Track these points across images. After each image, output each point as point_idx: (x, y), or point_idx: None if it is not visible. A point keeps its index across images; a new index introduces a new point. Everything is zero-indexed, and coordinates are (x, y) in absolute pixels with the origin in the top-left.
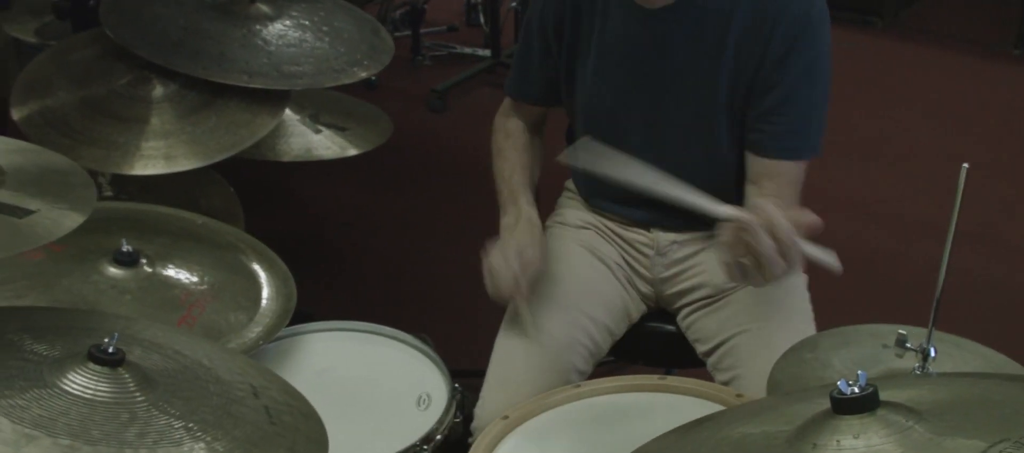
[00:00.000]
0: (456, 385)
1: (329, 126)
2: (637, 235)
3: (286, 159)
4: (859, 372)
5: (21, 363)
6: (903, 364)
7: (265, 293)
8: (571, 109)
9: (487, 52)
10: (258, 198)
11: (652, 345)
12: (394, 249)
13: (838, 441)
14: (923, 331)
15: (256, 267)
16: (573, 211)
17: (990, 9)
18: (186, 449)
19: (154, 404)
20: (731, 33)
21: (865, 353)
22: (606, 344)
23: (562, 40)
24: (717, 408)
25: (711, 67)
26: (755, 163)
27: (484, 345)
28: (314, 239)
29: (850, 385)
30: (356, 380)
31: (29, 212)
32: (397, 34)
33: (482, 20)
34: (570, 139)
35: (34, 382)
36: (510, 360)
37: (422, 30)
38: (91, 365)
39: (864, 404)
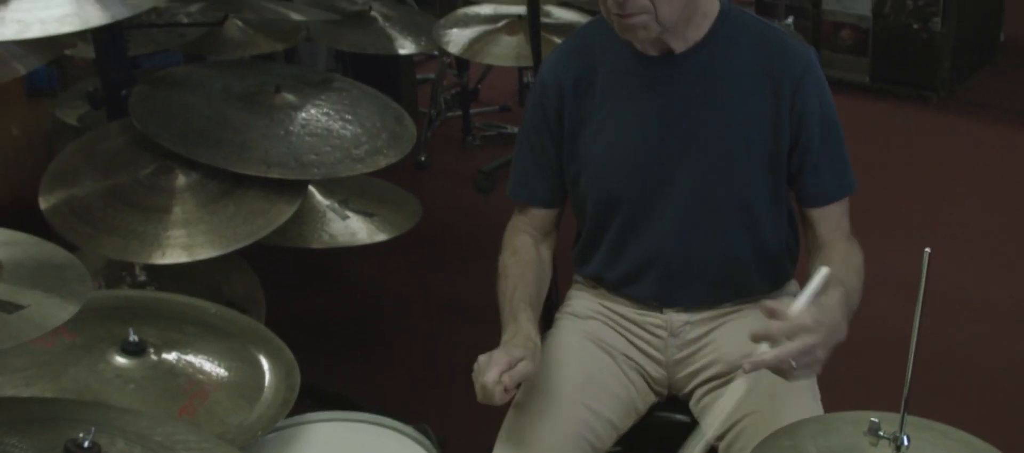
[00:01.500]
0: None
1: (357, 212)
2: (649, 318)
3: (313, 246)
4: None
5: None
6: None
7: (267, 383)
8: (577, 194)
9: None
10: (295, 278)
11: (662, 435)
12: (426, 331)
13: None
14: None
15: (261, 357)
16: (581, 301)
17: None
18: None
19: None
20: (736, 86)
21: (845, 442)
22: (610, 438)
23: (563, 121)
24: None
25: (722, 119)
26: (809, 212)
27: None
28: (346, 320)
29: None
30: None
31: (20, 307)
32: (449, 114)
33: None
34: (577, 243)
35: None
36: None
37: (475, 110)
38: None
39: None
